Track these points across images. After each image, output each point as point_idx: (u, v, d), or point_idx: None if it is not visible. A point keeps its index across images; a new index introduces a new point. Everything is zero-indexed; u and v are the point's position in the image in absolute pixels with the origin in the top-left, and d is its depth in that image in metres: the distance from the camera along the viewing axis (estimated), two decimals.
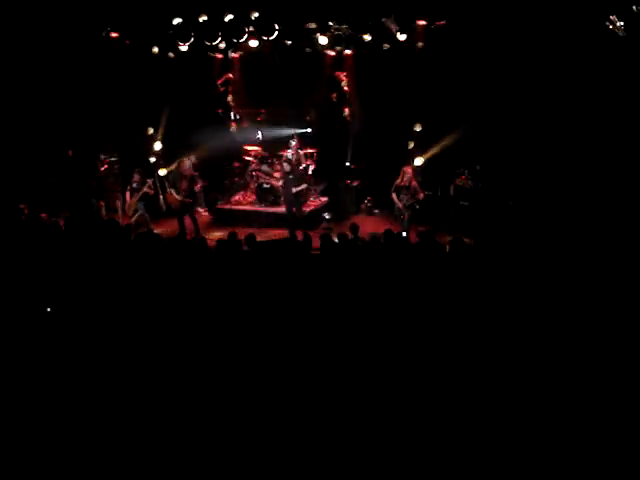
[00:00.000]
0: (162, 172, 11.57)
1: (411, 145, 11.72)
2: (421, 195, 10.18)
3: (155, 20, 10.75)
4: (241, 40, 10.77)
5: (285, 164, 10.91)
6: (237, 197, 12.47)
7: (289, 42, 11.25)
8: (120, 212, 11.09)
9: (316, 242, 7.30)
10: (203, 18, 10.55)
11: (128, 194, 10.75)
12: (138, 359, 4.90)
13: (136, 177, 10.65)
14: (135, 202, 10.63)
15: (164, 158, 12.02)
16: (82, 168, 11.98)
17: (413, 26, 10.50)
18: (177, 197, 10.43)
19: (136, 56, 11.76)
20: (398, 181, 10.22)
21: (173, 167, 11.51)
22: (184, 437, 4.13)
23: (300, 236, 8.21)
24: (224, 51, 12.34)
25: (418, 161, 11.18)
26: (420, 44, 10.80)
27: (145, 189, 10.64)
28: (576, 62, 9.71)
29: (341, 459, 3.84)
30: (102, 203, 11.34)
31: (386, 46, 11.08)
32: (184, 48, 11.01)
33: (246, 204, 12.19)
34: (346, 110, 12.59)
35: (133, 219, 10.38)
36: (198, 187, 10.70)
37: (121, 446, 4.10)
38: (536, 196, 10.29)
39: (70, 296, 5.96)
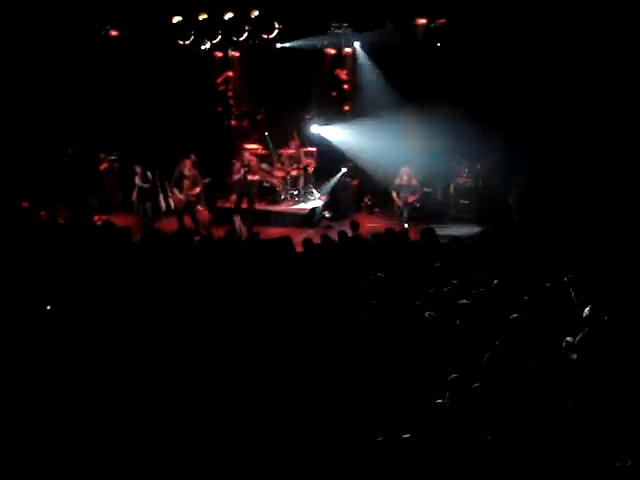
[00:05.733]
0: None
1: None
2: (416, 196, 10.20)
3: (155, 18, 10.74)
4: (241, 38, 10.79)
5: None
6: (235, 196, 12.44)
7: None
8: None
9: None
10: (203, 16, 10.54)
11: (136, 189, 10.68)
12: (137, 356, 4.90)
13: (138, 169, 10.50)
14: (136, 198, 10.59)
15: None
16: (82, 166, 11.97)
17: (413, 24, 10.54)
18: (180, 196, 10.40)
19: (136, 54, 11.76)
20: (398, 180, 10.24)
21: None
22: (184, 436, 4.12)
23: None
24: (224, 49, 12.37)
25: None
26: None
27: (140, 183, 10.48)
28: (576, 60, 9.72)
29: (339, 458, 3.83)
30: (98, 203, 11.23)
31: None
32: None
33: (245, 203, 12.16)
34: (346, 108, 12.59)
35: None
36: (198, 190, 10.68)
37: (120, 444, 4.09)
38: (536, 194, 10.30)
39: (69, 294, 5.96)
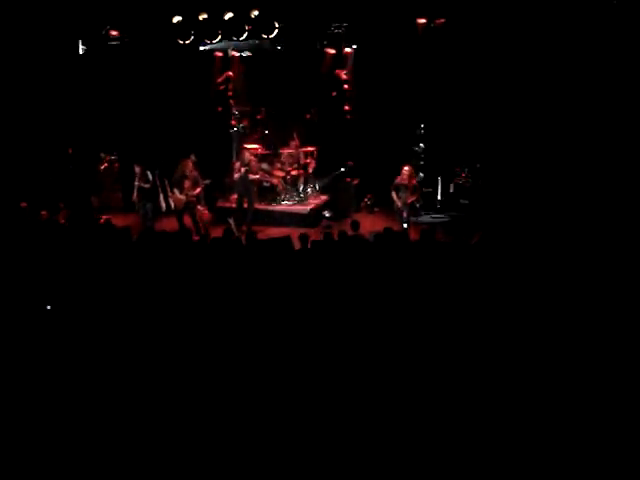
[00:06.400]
0: None
1: None
2: (415, 196, 10.20)
3: (155, 18, 10.75)
4: (241, 38, 10.80)
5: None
6: (237, 195, 12.46)
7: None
8: None
9: None
10: (203, 16, 10.55)
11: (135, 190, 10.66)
12: (138, 356, 4.90)
13: (137, 169, 10.47)
14: (136, 198, 10.57)
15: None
16: (82, 166, 11.98)
17: (413, 24, 10.54)
18: (180, 197, 10.40)
19: (136, 54, 11.77)
20: (398, 179, 10.24)
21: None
22: (184, 436, 4.12)
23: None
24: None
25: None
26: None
27: (139, 183, 10.45)
28: (575, 58, 9.72)
29: (339, 459, 3.83)
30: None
31: None
32: None
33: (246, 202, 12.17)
34: (346, 108, 12.59)
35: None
36: (198, 190, 10.66)
37: (120, 445, 4.10)
38: (537, 194, 10.29)
39: (70, 294, 5.96)
